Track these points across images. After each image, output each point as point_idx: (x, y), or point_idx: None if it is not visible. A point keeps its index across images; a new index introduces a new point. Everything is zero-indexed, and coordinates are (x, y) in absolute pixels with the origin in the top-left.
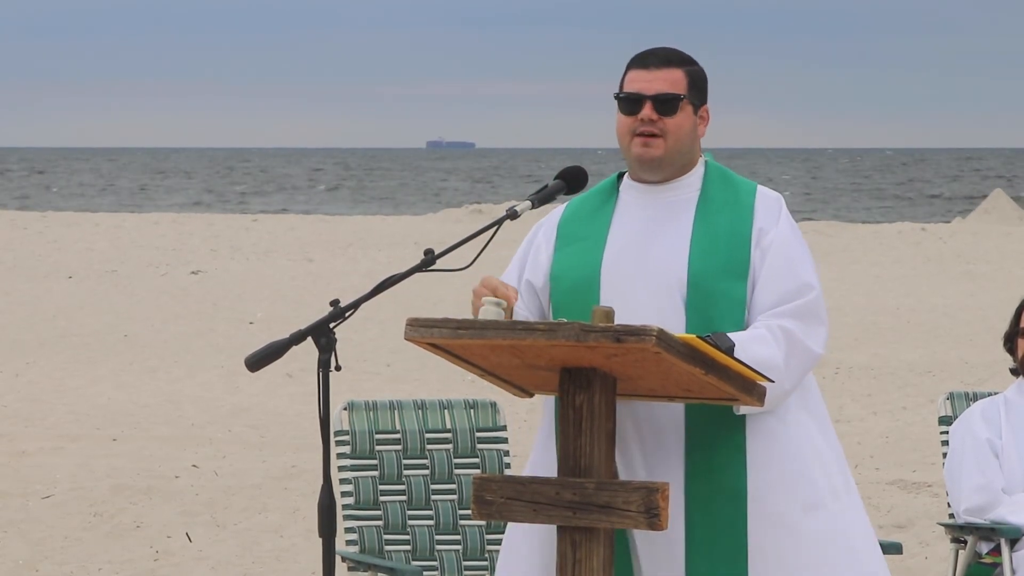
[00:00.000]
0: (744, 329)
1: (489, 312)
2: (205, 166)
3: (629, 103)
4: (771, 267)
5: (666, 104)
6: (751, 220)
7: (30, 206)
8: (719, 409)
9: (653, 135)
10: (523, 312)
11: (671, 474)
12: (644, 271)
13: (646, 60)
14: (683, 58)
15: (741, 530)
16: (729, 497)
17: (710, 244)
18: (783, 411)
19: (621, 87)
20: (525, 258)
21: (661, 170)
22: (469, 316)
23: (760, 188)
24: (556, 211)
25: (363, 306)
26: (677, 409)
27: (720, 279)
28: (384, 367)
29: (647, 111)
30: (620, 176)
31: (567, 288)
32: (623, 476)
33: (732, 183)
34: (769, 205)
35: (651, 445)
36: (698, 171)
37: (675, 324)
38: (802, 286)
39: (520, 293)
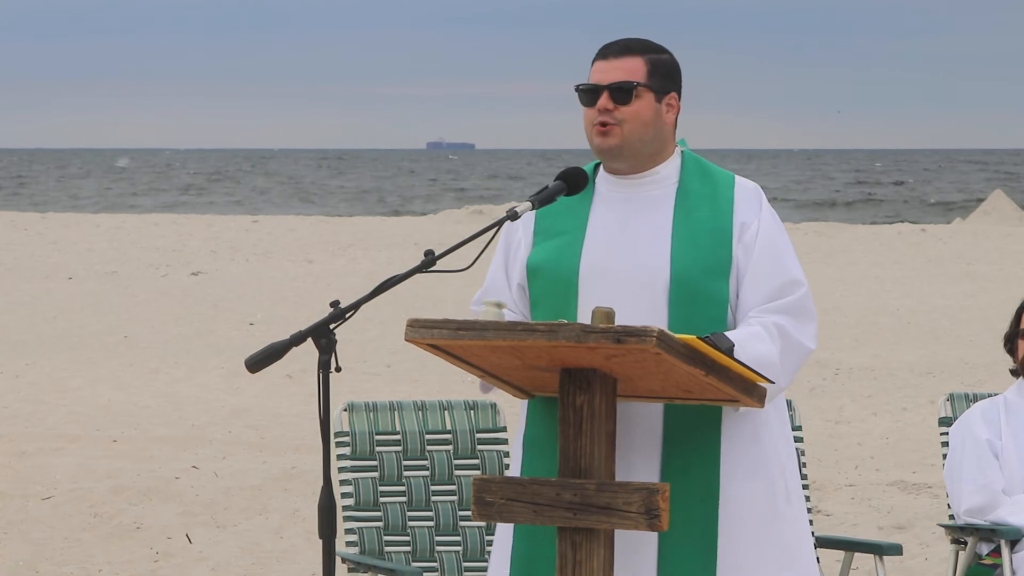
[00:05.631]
0: (726, 327)
1: (489, 313)
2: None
3: (588, 94)
4: (758, 263)
5: (621, 93)
6: (731, 215)
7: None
8: (696, 409)
9: (611, 124)
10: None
11: (647, 471)
12: (625, 269)
13: (606, 50)
14: (645, 46)
15: (712, 526)
16: (702, 496)
17: (691, 242)
18: (754, 410)
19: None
20: (508, 262)
21: (623, 159)
22: (469, 317)
23: (738, 180)
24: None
25: (363, 307)
26: (655, 408)
27: (703, 278)
28: (384, 368)
29: (603, 101)
30: (597, 166)
31: (545, 284)
32: None
33: (710, 175)
34: (748, 197)
35: (628, 442)
36: (674, 162)
37: (657, 322)
38: (790, 282)
39: (514, 300)
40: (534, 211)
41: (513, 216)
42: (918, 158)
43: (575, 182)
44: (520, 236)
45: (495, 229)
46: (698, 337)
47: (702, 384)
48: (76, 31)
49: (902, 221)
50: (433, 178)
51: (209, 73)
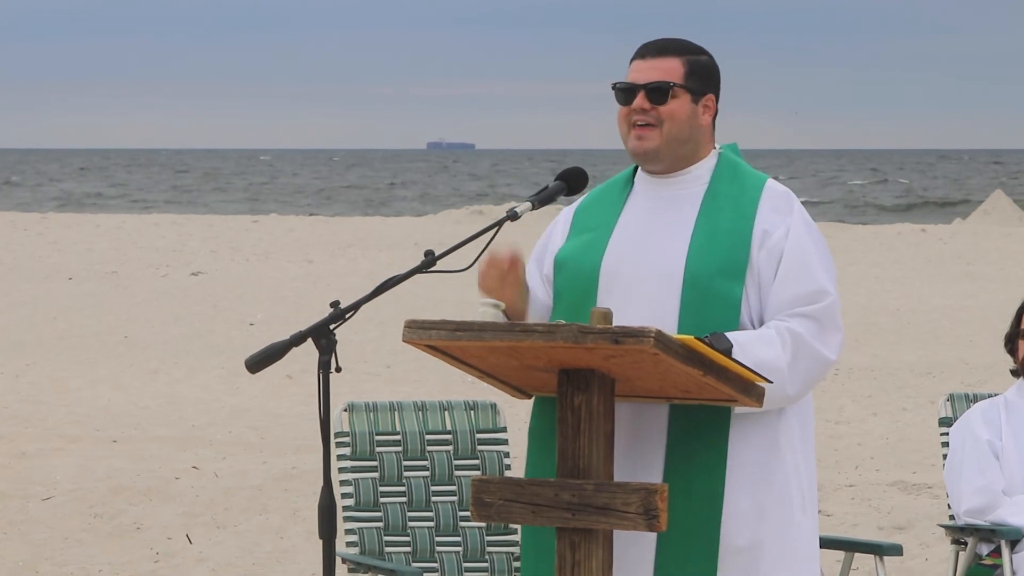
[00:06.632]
0: (737, 329)
1: (487, 314)
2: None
3: (624, 93)
4: (785, 270)
5: (657, 92)
6: (753, 219)
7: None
8: (703, 411)
9: (648, 124)
10: (542, 299)
11: (649, 473)
12: (642, 266)
13: (644, 50)
14: (683, 47)
15: (714, 531)
16: (705, 500)
17: (709, 243)
18: (775, 417)
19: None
20: (541, 254)
21: (659, 160)
22: (469, 317)
23: (768, 183)
24: (576, 200)
25: (363, 307)
26: (660, 409)
27: (716, 279)
28: (384, 368)
29: (639, 100)
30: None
31: (568, 279)
32: None
33: (740, 177)
34: (776, 203)
35: (631, 444)
36: (708, 163)
37: (668, 322)
38: (816, 291)
39: (534, 289)
40: (576, 206)
41: (513, 217)
42: (918, 158)
43: (575, 182)
44: (560, 229)
45: (495, 230)
46: (696, 337)
47: (700, 384)
48: (76, 31)
49: (902, 221)
50: (433, 178)
51: (209, 73)
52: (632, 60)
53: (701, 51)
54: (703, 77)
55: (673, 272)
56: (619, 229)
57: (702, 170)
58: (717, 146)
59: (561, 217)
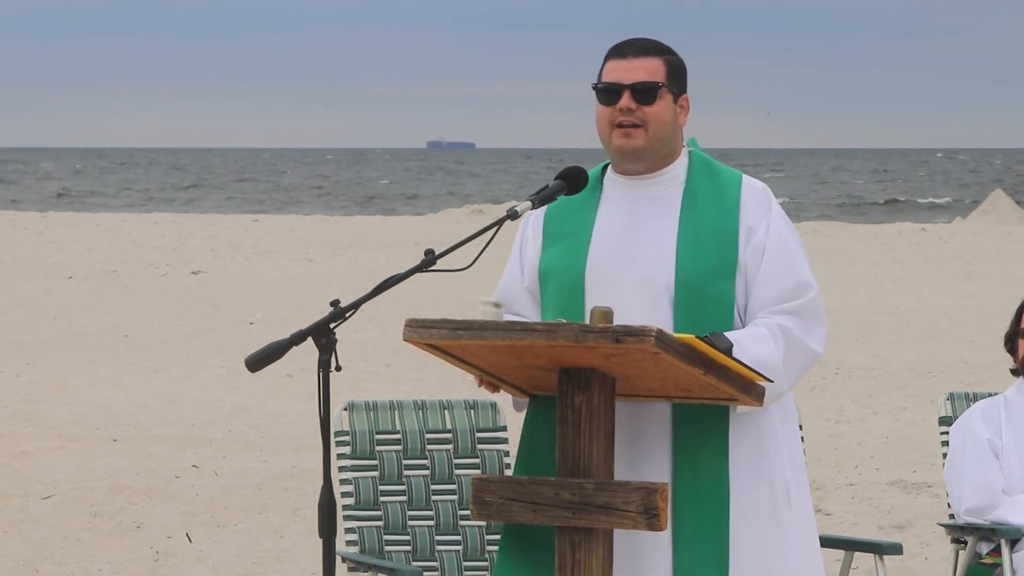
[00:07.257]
0: (731, 328)
1: (487, 313)
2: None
3: (608, 94)
4: (768, 265)
5: (645, 93)
6: (738, 217)
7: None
8: (705, 410)
9: (634, 125)
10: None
11: (657, 474)
12: (630, 271)
13: (624, 50)
14: (661, 47)
15: (724, 529)
16: (713, 497)
17: (697, 244)
18: (759, 414)
19: (600, 78)
20: (522, 265)
21: (643, 160)
22: (469, 316)
23: (745, 180)
24: (539, 208)
25: (363, 306)
26: (664, 409)
27: (708, 280)
28: (384, 367)
29: (625, 100)
30: (605, 168)
31: (554, 288)
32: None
33: (717, 175)
34: (756, 199)
35: (637, 445)
36: (682, 162)
37: (661, 325)
38: (800, 285)
39: (526, 305)
40: (544, 212)
41: (513, 216)
42: (918, 157)
43: (575, 181)
44: (530, 235)
45: (495, 229)
46: (697, 337)
47: (701, 383)
48: (76, 31)
49: (902, 220)
50: (433, 177)
51: (209, 73)
52: (609, 59)
53: (673, 51)
54: (680, 77)
55: (664, 276)
56: (598, 233)
57: (677, 170)
58: (685, 144)
59: (529, 225)
